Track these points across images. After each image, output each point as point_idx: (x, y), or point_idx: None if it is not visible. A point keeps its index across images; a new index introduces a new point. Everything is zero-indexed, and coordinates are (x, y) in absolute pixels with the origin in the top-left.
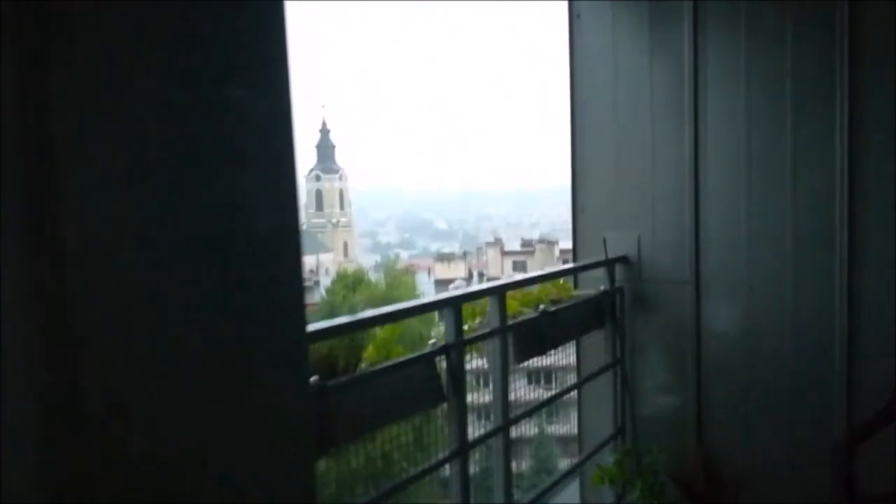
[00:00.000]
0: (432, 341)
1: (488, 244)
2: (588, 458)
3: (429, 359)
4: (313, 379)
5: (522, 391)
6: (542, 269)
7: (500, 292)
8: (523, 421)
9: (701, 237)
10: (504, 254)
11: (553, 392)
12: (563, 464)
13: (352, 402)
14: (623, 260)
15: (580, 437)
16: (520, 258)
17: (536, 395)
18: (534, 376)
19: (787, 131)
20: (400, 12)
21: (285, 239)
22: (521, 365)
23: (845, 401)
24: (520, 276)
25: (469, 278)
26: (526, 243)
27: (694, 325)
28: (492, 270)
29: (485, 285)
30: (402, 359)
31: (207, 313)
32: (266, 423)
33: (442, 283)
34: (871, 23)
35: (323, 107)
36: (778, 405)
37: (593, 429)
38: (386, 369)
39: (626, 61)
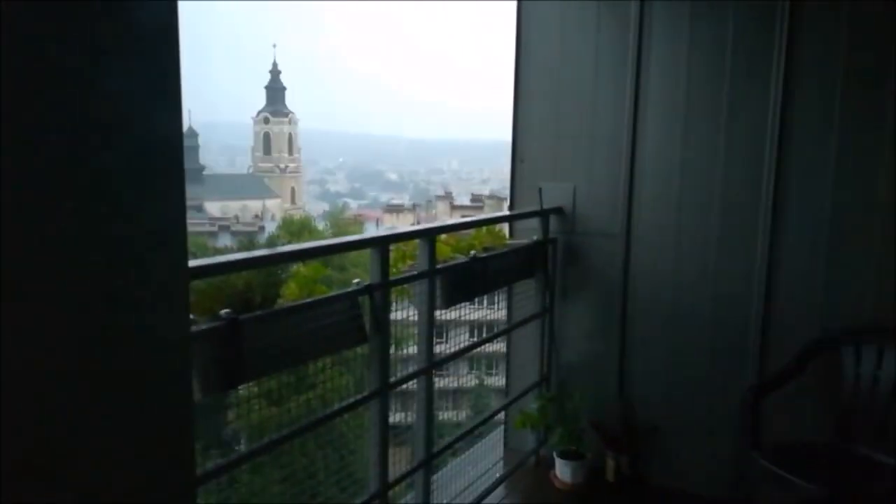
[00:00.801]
0: (356, 280)
1: (438, 198)
2: (511, 402)
3: (351, 298)
4: (224, 312)
5: (464, 342)
6: (502, 213)
7: (430, 235)
8: (467, 372)
9: (634, 193)
10: (454, 208)
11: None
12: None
13: (265, 337)
14: (558, 211)
15: (507, 384)
16: (469, 213)
17: (481, 349)
18: (476, 329)
19: (723, 95)
20: None
21: (166, 167)
22: (464, 318)
23: (759, 356)
24: (452, 221)
25: None
26: (476, 198)
27: (621, 278)
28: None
29: (415, 227)
30: (321, 296)
31: (69, 242)
32: (137, 365)
33: None
34: None
35: (274, 46)
36: (696, 358)
37: (521, 376)
38: (303, 306)
39: (573, 20)
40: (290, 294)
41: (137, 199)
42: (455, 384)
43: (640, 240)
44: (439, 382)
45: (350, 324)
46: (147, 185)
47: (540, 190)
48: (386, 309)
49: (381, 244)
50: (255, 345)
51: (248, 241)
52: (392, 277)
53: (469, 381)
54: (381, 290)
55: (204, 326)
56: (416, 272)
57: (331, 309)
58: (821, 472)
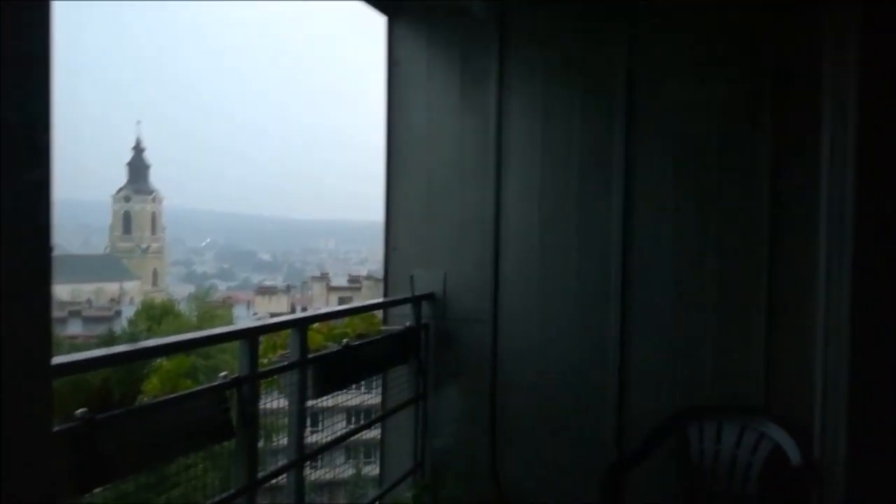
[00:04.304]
0: (223, 374)
1: (314, 278)
2: (385, 493)
3: (217, 392)
4: (80, 412)
5: (341, 429)
6: (375, 301)
7: (301, 324)
8: (343, 462)
9: (500, 278)
10: (330, 289)
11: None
12: None
13: (124, 437)
14: (429, 297)
15: (381, 473)
16: (346, 294)
17: (360, 436)
18: (354, 415)
19: (573, 190)
20: (228, 38)
21: (31, 261)
22: (342, 403)
23: (616, 436)
24: (325, 310)
25: (292, 313)
26: (353, 279)
27: (490, 362)
28: (316, 306)
29: (285, 317)
30: (185, 392)
31: None
32: None
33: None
34: (646, 80)
35: (139, 123)
36: (562, 436)
37: (396, 464)
38: (165, 403)
39: (438, 110)
40: (151, 390)
41: None
42: (331, 475)
43: (507, 324)
44: (313, 474)
45: (215, 419)
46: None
47: (411, 277)
48: (254, 402)
49: (251, 336)
50: (113, 446)
51: (108, 332)
52: (261, 369)
53: (345, 471)
54: (250, 383)
55: (57, 428)
56: (286, 362)
57: (195, 404)
58: None
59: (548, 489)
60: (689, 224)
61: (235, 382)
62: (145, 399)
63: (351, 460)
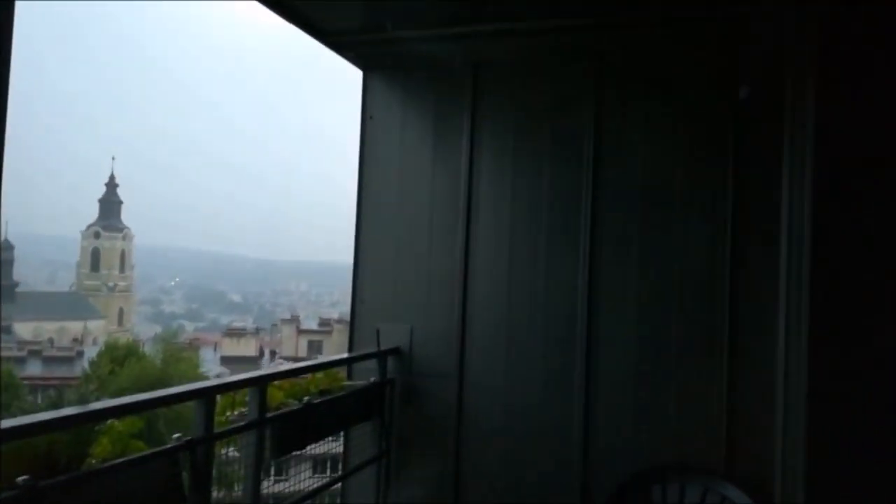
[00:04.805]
0: (176, 435)
1: (284, 321)
2: None
3: (170, 455)
4: (21, 479)
5: (306, 482)
6: (338, 350)
7: (260, 383)
8: None
9: (467, 333)
10: (300, 332)
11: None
12: None
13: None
14: (395, 352)
15: None
16: (316, 337)
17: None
18: (320, 464)
19: (541, 247)
20: (202, 75)
21: None
22: (308, 452)
23: (582, 488)
24: (286, 367)
25: (260, 356)
26: (324, 322)
27: (455, 417)
28: (286, 349)
29: (244, 376)
30: (134, 456)
31: None
32: None
33: (230, 361)
34: (612, 140)
35: (113, 159)
36: (526, 498)
37: None
38: (113, 467)
39: (410, 164)
40: (100, 453)
41: None
42: None
43: (473, 379)
44: None
45: (166, 484)
46: None
47: (378, 331)
48: (209, 464)
49: (207, 395)
50: None
51: (57, 396)
52: (218, 429)
53: None
54: (205, 445)
55: None
56: (244, 422)
57: (145, 469)
58: None
59: None
60: (653, 282)
61: (189, 445)
62: (94, 463)
63: None
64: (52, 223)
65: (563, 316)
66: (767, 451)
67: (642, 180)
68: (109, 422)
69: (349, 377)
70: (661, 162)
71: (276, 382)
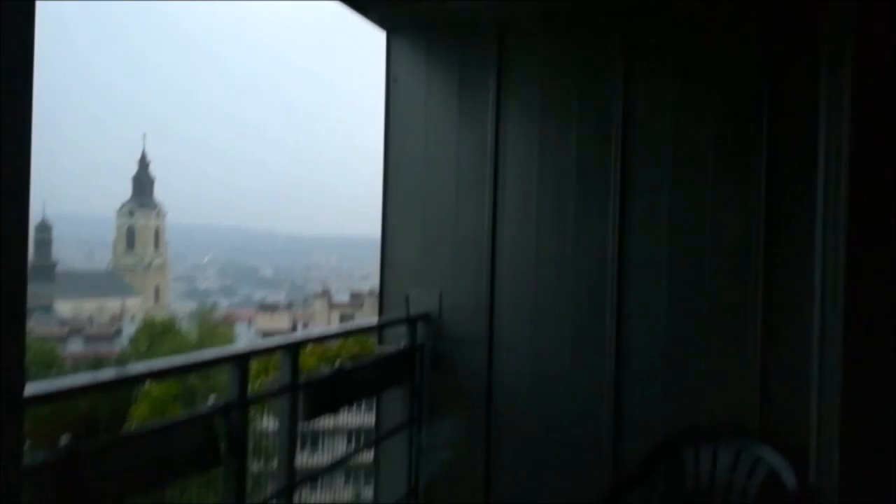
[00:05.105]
0: (212, 399)
1: (316, 295)
2: None
3: (205, 418)
4: (64, 440)
5: (341, 450)
6: (369, 321)
7: (291, 348)
8: (343, 484)
9: (496, 299)
10: (332, 305)
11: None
12: None
13: (108, 465)
14: (425, 317)
15: (375, 498)
16: (348, 310)
17: (359, 457)
18: (355, 436)
19: (570, 209)
20: (230, 53)
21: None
22: (345, 425)
23: (612, 460)
24: (317, 332)
25: (293, 330)
26: (355, 295)
27: (486, 383)
28: (318, 322)
29: (276, 340)
30: (171, 419)
31: None
32: None
33: (265, 335)
34: (641, 103)
35: (144, 135)
36: (557, 461)
37: (390, 488)
38: (152, 430)
39: (436, 127)
40: (139, 416)
41: None
42: (330, 498)
43: (503, 344)
44: (311, 497)
45: (203, 447)
46: None
47: (406, 297)
48: (243, 428)
49: (240, 360)
50: (97, 475)
51: (95, 358)
52: (251, 394)
53: (345, 494)
54: (239, 409)
55: (40, 457)
56: (277, 387)
57: (182, 432)
58: None
59: None
60: (685, 246)
61: (224, 408)
62: (133, 425)
63: (351, 483)
64: (81, 203)
65: (592, 279)
66: (803, 414)
67: (673, 143)
68: (147, 387)
69: (379, 344)
70: (692, 124)
71: (307, 349)
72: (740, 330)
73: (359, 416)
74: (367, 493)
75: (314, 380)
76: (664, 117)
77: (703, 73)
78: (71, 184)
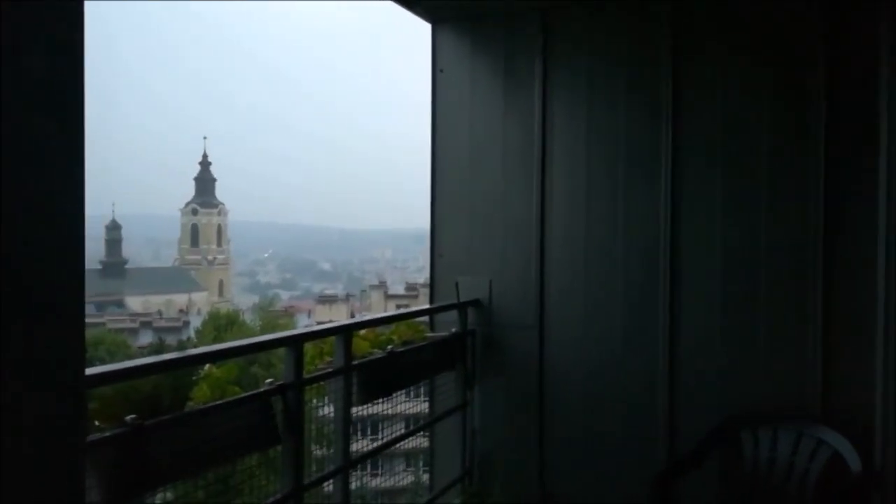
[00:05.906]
0: (269, 381)
1: (373, 287)
2: (433, 500)
3: (263, 398)
4: (130, 418)
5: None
6: (420, 308)
7: (345, 332)
8: (402, 469)
9: (545, 285)
10: (388, 297)
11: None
12: None
13: (172, 442)
14: (475, 303)
15: (431, 480)
16: (404, 301)
17: (417, 442)
18: (413, 422)
19: (619, 195)
20: (282, 56)
21: (63, 270)
22: (403, 411)
23: (668, 442)
24: (369, 316)
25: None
26: (410, 287)
27: (537, 369)
28: (375, 312)
29: (331, 324)
30: (230, 399)
31: None
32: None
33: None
34: (690, 90)
35: (205, 138)
36: (609, 447)
37: (444, 471)
38: (211, 409)
39: (482, 116)
40: (200, 396)
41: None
42: (390, 481)
43: (553, 329)
44: (371, 482)
45: (261, 425)
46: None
47: (456, 284)
48: (299, 408)
49: (295, 343)
50: (162, 451)
51: (159, 342)
52: (306, 375)
53: (404, 479)
54: (295, 390)
55: (107, 433)
56: (331, 369)
57: (241, 411)
58: None
59: (596, 496)
60: (739, 229)
61: (280, 389)
62: (194, 405)
63: (410, 467)
64: (145, 204)
65: (644, 266)
66: (867, 397)
67: (724, 126)
68: (207, 369)
69: (431, 330)
70: (744, 106)
71: (361, 333)
72: (800, 314)
73: (417, 405)
74: (426, 478)
75: (367, 362)
76: (715, 102)
77: (755, 55)
78: (137, 188)
